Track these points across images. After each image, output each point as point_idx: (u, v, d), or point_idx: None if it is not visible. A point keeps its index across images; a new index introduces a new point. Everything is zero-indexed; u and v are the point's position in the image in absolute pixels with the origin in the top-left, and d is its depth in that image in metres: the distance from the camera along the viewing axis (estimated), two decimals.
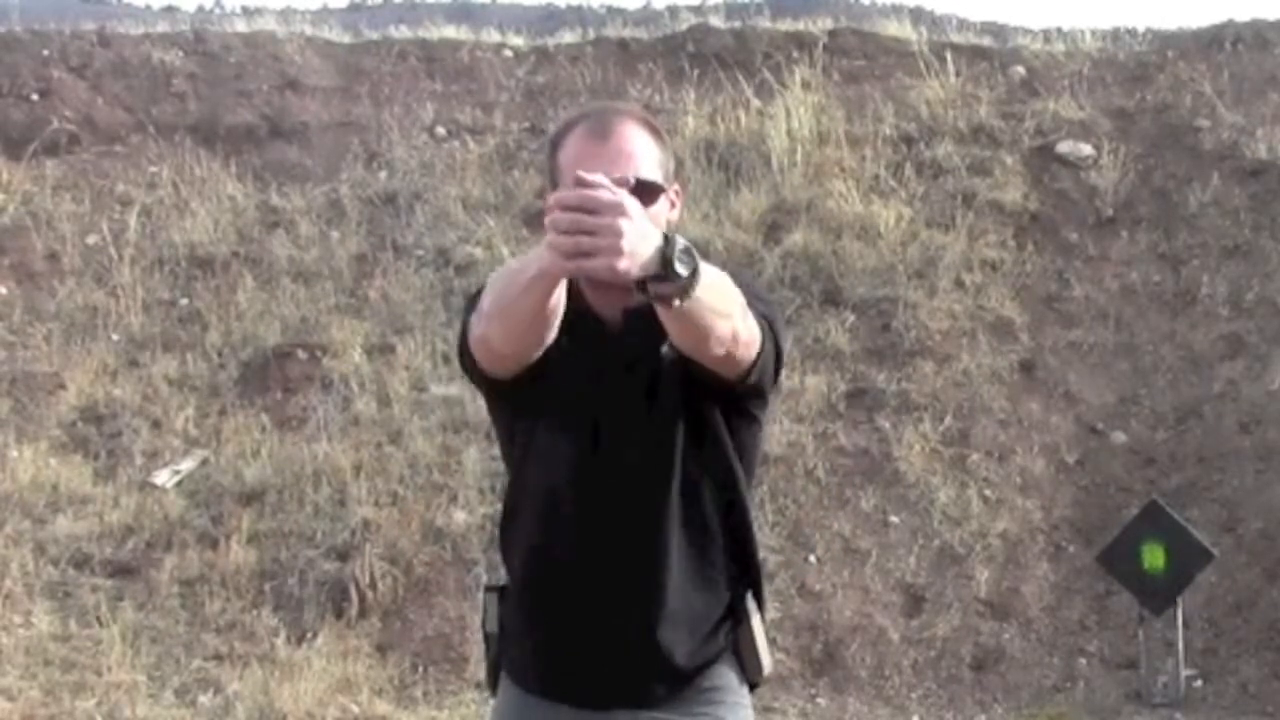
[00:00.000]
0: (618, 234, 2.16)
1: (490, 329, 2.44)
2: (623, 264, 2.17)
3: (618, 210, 2.17)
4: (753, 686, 2.72)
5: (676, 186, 2.63)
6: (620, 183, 2.27)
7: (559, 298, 2.37)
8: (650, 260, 2.20)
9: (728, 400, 2.56)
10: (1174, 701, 7.49)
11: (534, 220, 10.10)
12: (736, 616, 2.66)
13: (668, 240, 2.22)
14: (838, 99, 10.78)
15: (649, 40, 11.77)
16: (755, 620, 2.68)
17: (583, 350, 2.52)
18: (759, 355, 2.47)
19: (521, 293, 2.35)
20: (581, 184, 2.20)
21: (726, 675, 2.66)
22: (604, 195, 2.18)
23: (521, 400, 2.57)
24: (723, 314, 2.36)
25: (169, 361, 9.30)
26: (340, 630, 7.68)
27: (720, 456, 2.60)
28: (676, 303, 2.26)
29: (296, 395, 9.09)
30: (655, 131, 2.59)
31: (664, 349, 2.51)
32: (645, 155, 2.54)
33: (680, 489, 2.55)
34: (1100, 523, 8.36)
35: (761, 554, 2.75)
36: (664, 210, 2.57)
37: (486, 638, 2.77)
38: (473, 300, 2.56)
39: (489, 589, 2.79)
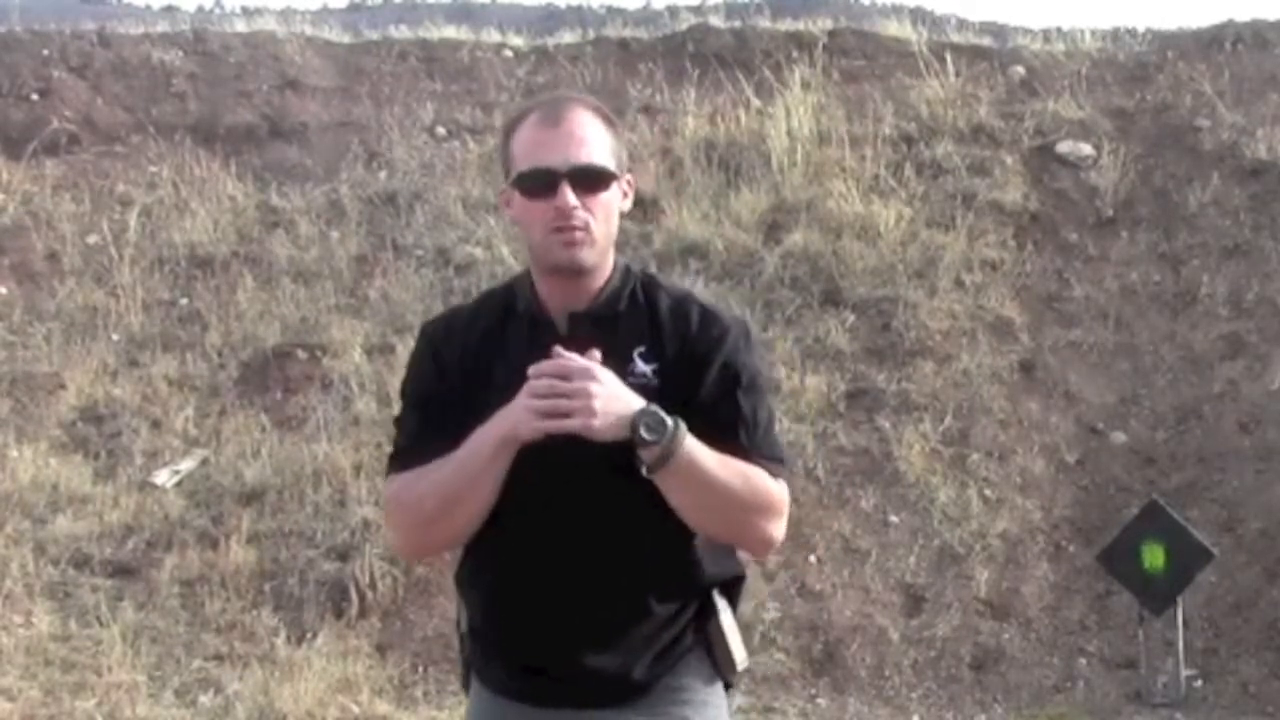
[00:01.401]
0: (589, 395, 2.40)
1: (432, 537, 2.60)
2: (595, 421, 2.40)
3: (588, 375, 2.41)
4: (728, 685, 2.68)
5: (629, 177, 2.65)
6: (587, 353, 2.46)
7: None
8: (620, 422, 2.41)
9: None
10: (1174, 701, 7.48)
11: None
12: (704, 613, 2.63)
13: (644, 407, 2.42)
14: (838, 99, 10.78)
15: (649, 40, 11.77)
16: (725, 617, 2.63)
17: (528, 356, 2.52)
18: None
19: (478, 475, 2.49)
20: (557, 357, 2.44)
21: (694, 673, 2.62)
22: (576, 363, 2.42)
23: (472, 411, 2.57)
24: (715, 507, 2.49)
25: (169, 361, 9.29)
26: (340, 630, 7.68)
27: None
28: (645, 470, 2.43)
29: (296, 395, 9.09)
30: (608, 120, 2.62)
31: (642, 366, 2.55)
32: (596, 141, 2.57)
33: (632, 494, 2.51)
34: (1100, 523, 8.36)
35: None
36: (616, 199, 2.60)
37: (460, 638, 2.76)
38: (397, 427, 2.69)
39: None
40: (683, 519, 2.51)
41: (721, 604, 2.65)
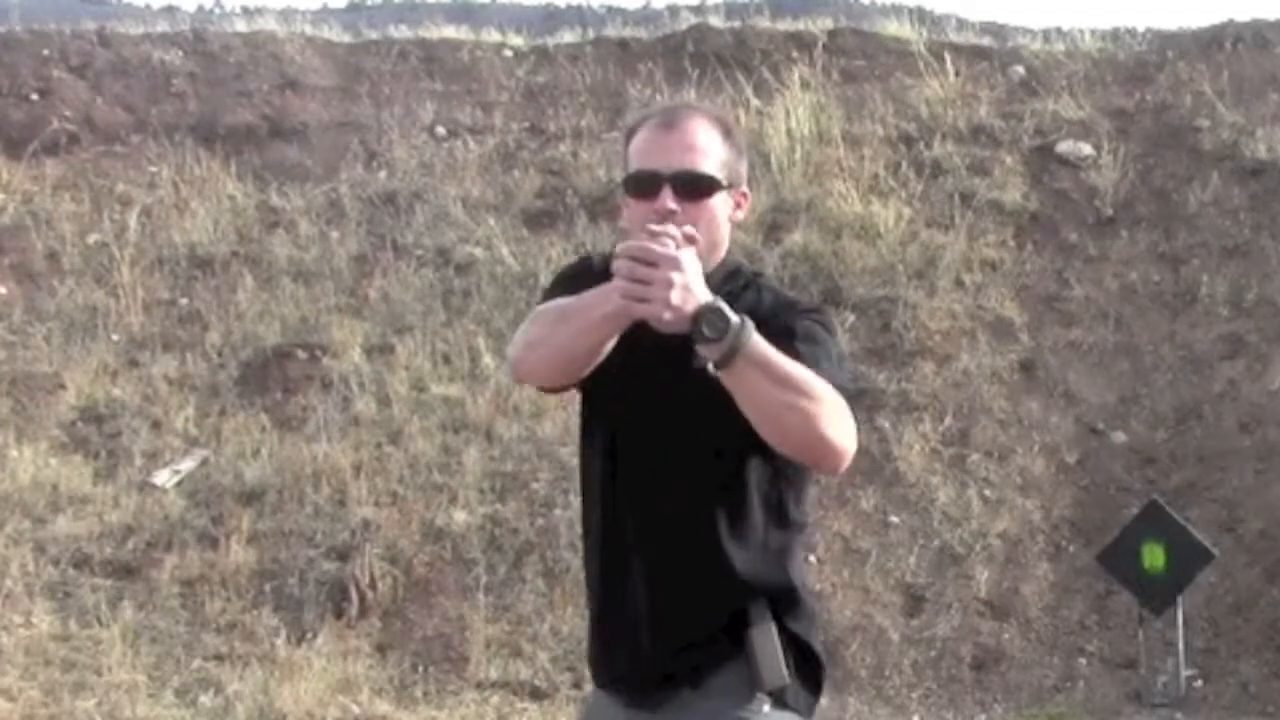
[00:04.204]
0: (668, 286, 2.33)
1: (530, 357, 2.58)
2: (667, 315, 2.34)
3: (671, 265, 2.34)
4: (774, 697, 2.61)
5: (744, 189, 2.67)
6: (688, 237, 2.42)
7: (612, 344, 2.48)
8: (685, 317, 2.34)
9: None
10: (1174, 701, 7.49)
11: (534, 220, 10.10)
12: (749, 622, 2.59)
13: (708, 302, 2.35)
14: (837, 99, 10.78)
15: (649, 40, 11.77)
16: (770, 628, 2.59)
17: (625, 353, 2.54)
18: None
19: (583, 330, 2.48)
20: (650, 235, 2.37)
21: (730, 691, 2.58)
22: (660, 250, 2.35)
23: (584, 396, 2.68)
24: (790, 406, 2.41)
25: (169, 361, 9.30)
26: (340, 630, 7.68)
27: (738, 477, 2.61)
28: (711, 367, 2.37)
29: (296, 395, 9.09)
30: (727, 131, 2.64)
31: (697, 363, 2.51)
32: (707, 150, 2.59)
33: (693, 495, 2.55)
34: (1100, 523, 8.36)
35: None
36: (722, 207, 2.62)
37: None
38: (541, 300, 2.65)
39: None
40: (756, 427, 2.45)
41: (763, 616, 2.60)
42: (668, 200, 2.54)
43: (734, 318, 2.36)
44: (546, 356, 2.55)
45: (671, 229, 2.40)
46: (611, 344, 2.48)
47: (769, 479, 2.62)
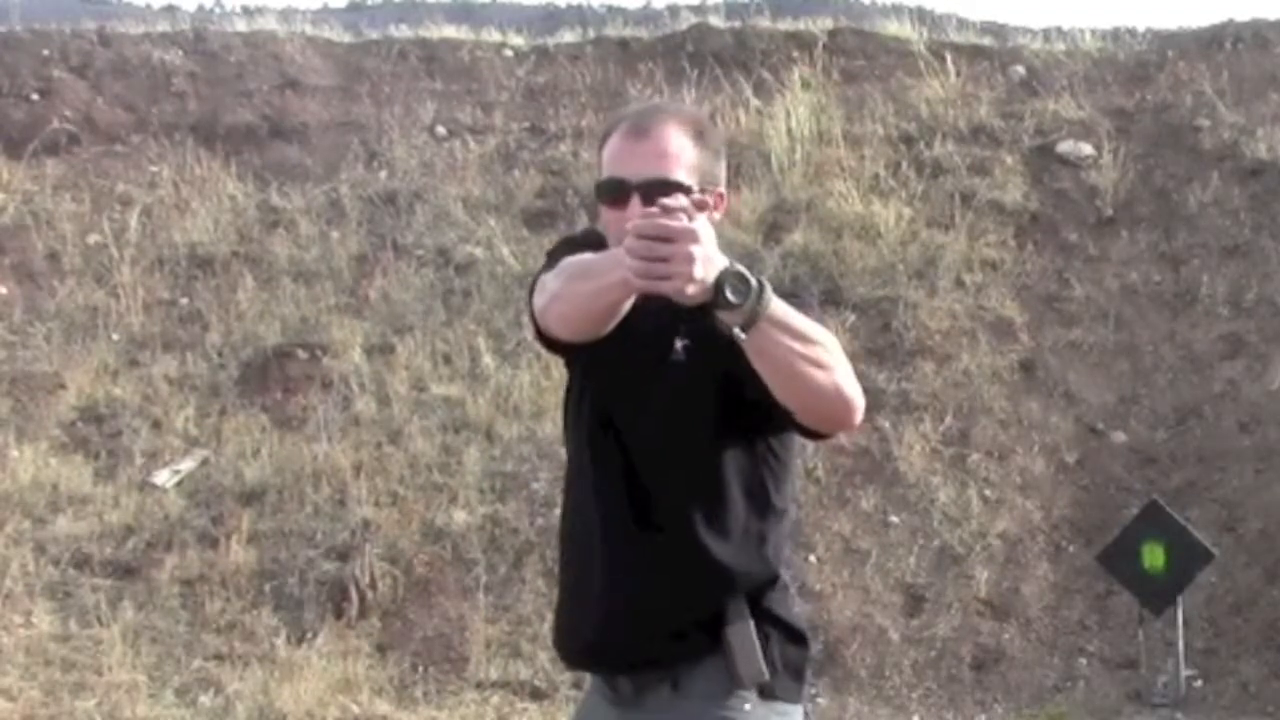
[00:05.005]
0: (689, 260, 2.28)
1: (552, 309, 2.56)
2: (691, 289, 2.29)
3: (689, 238, 2.28)
4: (760, 690, 2.60)
5: (720, 190, 2.65)
6: (697, 204, 2.40)
7: (630, 303, 2.46)
8: (708, 286, 2.30)
9: (761, 421, 2.55)
10: (1174, 701, 7.49)
11: (534, 220, 10.10)
12: (726, 620, 2.59)
13: (727, 268, 2.31)
14: (837, 99, 10.78)
15: (649, 40, 11.77)
16: (748, 626, 2.59)
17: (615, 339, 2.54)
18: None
19: (595, 294, 2.46)
20: (664, 209, 2.31)
21: (711, 688, 2.58)
22: (676, 225, 2.29)
23: (574, 363, 2.68)
24: (813, 360, 2.41)
25: (169, 361, 9.30)
26: (340, 630, 7.68)
27: (715, 466, 2.60)
28: (738, 332, 2.34)
29: (296, 395, 9.09)
30: (699, 134, 2.62)
31: (678, 344, 2.54)
32: (678, 157, 2.57)
33: (675, 484, 2.56)
34: (1100, 523, 8.36)
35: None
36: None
37: None
38: (547, 261, 2.63)
39: None
40: (775, 390, 2.43)
41: (741, 614, 2.59)
42: (637, 209, 2.51)
43: (754, 279, 2.33)
44: (565, 313, 2.53)
45: (681, 199, 2.37)
46: (629, 305, 2.45)
47: (750, 467, 2.62)
